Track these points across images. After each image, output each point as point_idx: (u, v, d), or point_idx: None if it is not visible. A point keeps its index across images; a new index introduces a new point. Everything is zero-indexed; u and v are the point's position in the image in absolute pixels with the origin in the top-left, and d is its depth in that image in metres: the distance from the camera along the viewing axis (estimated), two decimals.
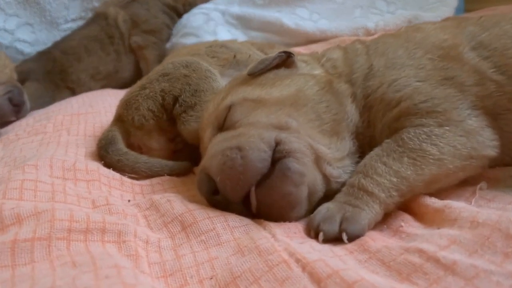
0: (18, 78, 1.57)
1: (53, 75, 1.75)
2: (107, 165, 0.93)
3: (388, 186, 0.66)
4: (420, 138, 0.69)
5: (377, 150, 0.71)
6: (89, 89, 1.79)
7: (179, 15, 2.05)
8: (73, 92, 1.77)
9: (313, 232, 0.64)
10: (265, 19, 1.89)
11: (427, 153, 0.68)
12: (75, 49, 1.81)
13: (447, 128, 0.70)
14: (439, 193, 0.71)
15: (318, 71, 0.84)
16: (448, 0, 2.14)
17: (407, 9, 2.13)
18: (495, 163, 0.75)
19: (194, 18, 1.91)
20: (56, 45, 1.86)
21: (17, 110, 1.34)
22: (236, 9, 1.93)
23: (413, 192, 0.68)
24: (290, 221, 0.68)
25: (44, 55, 1.80)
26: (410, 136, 0.70)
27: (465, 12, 2.19)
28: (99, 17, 1.93)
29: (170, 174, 0.93)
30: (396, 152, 0.69)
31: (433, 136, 0.69)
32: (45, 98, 1.66)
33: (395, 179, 0.66)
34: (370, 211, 0.65)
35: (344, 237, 0.61)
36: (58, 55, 1.79)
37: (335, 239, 0.62)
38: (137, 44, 1.91)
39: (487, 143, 0.71)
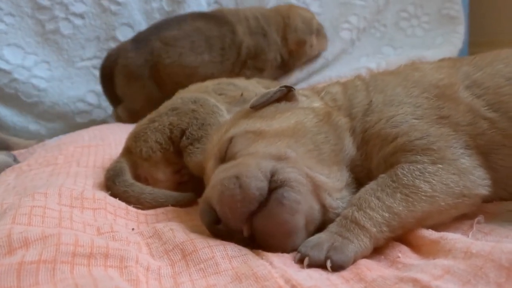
0: (125, 75, 1.45)
1: (152, 67, 1.55)
2: (114, 195, 0.95)
3: (380, 221, 0.67)
4: (414, 174, 0.71)
5: (372, 184, 0.72)
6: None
7: (284, 62, 1.97)
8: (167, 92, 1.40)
9: (298, 256, 0.65)
10: None
11: (420, 189, 0.69)
12: (178, 41, 1.58)
13: (441, 166, 0.71)
14: (437, 227, 0.72)
15: (317, 103, 0.87)
16: (454, 40, 2.19)
17: (413, 52, 2.18)
18: (492, 198, 0.76)
19: None
20: (154, 31, 1.61)
21: None
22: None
23: (404, 228, 0.70)
24: (288, 250, 0.69)
25: (141, 43, 1.57)
26: (404, 172, 0.71)
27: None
28: (222, 22, 1.73)
29: (174, 204, 0.95)
30: (390, 187, 0.70)
31: (426, 173, 0.71)
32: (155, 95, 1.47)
33: (387, 215, 0.68)
34: (359, 245, 0.66)
35: (328, 263, 0.62)
36: (157, 45, 1.56)
37: (319, 266, 0.63)
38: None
39: (479, 182, 0.72)
